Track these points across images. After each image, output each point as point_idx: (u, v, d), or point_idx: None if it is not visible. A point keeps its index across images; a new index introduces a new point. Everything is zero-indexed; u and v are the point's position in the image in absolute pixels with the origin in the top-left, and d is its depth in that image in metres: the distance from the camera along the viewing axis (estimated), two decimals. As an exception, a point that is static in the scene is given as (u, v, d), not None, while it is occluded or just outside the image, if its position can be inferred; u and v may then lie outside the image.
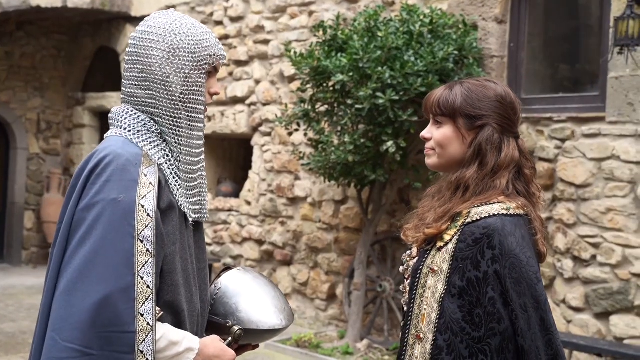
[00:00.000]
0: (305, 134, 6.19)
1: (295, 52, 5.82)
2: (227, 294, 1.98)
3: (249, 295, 1.99)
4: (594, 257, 5.11)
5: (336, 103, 5.80)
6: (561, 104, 5.47)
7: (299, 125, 6.07)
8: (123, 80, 1.88)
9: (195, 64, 1.83)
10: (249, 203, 7.50)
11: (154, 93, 1.82)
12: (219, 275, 2.05)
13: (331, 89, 5.71)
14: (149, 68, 1.82)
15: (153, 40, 1.83)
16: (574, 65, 5.98)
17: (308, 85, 5.97)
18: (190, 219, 1.87)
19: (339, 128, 5.78)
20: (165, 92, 1.82)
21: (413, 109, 5.40)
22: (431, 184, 6.73)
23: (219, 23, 7.82)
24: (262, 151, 7.37)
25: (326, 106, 5.94)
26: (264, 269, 7.29)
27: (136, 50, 1.84)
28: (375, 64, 5.31)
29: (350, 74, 5.39)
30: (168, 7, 8.34)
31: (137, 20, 8.95)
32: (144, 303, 1.67)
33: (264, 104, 7.39)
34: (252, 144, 7.56)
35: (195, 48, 1.83)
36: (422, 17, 5.56)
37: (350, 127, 5.66)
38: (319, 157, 5.77)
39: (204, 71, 1.85)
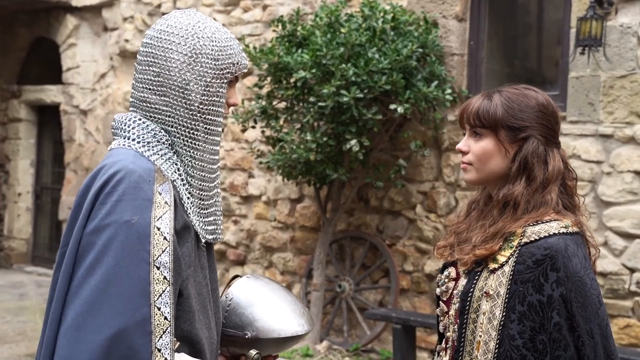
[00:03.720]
0: (263, 132, 6.04)
1: (254, 48, 5.66)
2: (241, 304, 1.83)
3: (265, 302, 1.85)
4: (555, 255, 5.14)
5: (296, 100, 5.67)
6: (522, 102, 5.47)
7: (255, 122, 5.91)
8: (134, 83, 1.69)
9: (217, 72, 1.66)
10: (199, 201, 7.30)
11: (170, 100, 1.65)
12: (228, 285, 1.91)
13: (292, 85, 5.57)
14: (166, 72, 1.64)
15: (173, 42, 1.65)
16: (534, 65, 6.00)
17: (265, 81, 5.82)
18: (203, 240, 1.71)
19: (299, 125, 5.65)
20: (183, 101, 1.64)
21: (377, 107, 5.32)
22: (392, 183, 6.61)
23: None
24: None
25: (284, 103, 5.80)
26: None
27: (153, 51, 1.66)
28: (338, 61, 5.20)
29: (313, 70, 5.26)
30: (113, -2, 8.02)
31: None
32: (161, 336, 1.50)
33: (216, 100, 7.18)
34: (202, 141, 7.34)
35: (219, 55, 1.66)
36: (383, 14, 5.48)
37: (311, 125, 5.54)
38: (278, 155, 5.62)
39: (226, 80, 1.68)
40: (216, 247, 7.03)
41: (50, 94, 9.13)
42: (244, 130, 6.28)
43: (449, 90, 5.46)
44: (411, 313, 5.54)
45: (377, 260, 6.05)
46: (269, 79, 5.75)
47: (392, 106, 5.30)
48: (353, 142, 5.31)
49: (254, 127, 6.05)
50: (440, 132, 5.66)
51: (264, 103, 5.80)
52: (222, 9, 7.11)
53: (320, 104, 5.28)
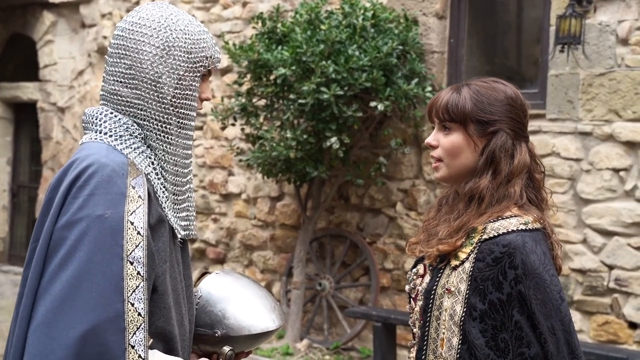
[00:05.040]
0: (243, 129, 6.00)
1: (234, 45, 5.62)
2: (210, 301, 1.80)
3: (235, 298, 1.82)
4: (535, 253, 5.15)
5: (276, 97, 5.63)
6: (501, 100, 5.48)
7: (235, 119, 5.87)
8: (105, 76, 1.66)
9: (190, 65, 1.64)
10: (178, 199, 7.23)
11: (142, 93, 1.62)
12: (197, 282, 1.87)
13: (271, 82, 5.54)
14: (138, 65, 1.61)
15: (145, 34, 1.62)
16: (513, 62, 6.02)
17: (245, 79, 5.78)
18: (179, 236, 1.68)
19: (279, 123, 5.62)
20: (155, 94, 1.62)
21: (357, 105, 5.31)
22: (372, 181, 6.59)
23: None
24: (193, 146, 7.11)
25: (264, 100, 5.77)
26: (195, 268, 7.04)
27: (124, 43, 1.63)
28: (318, 58, 5.18)
29: (293, 67, 5.23)
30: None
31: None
32: (134, 333, 1.47)
33: (195, 97, 7.12)
34: (181, 138, 7.27)
35: (191, 48, 1.64)
36: (363, 11, 5.46)
37: (291, 123, 5.51)
38: (258, 153, 5.59)
39: (199, 74, 1.66)
40: (196, 245, 6.99)
41: (27, 91, 9.01)
42: (223, 128, 6.24)
43: (429, 88, 5.45)
44: (391, 311, 5.53)
45: (357, 258, 6.03)
46: (248, 76, 5.71)
47: (373, 103, 5.28)
48: (333, 139, 5.29)
49: (233, 125, 6.01)
50: (420, 130, 5.65)
51: (243, 100, 5.76)
52: (202, 5, 7.06)
53: (300, 101, 5.25)
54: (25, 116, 9.31)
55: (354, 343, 5.99)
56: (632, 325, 4.81)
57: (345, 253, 6.07)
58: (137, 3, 7.54)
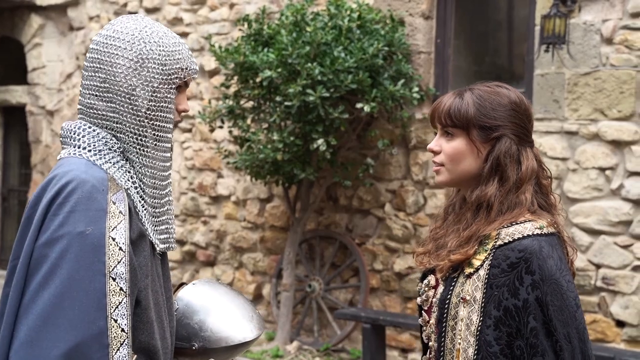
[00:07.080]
0: (230, 131, 6.00)
1: (220, 47, 5.62)
2: (187, 313, 1.80)
3: (212, 309, 1.81)
4: (522, 252, 5.18)
5: (262, 99, 5.64)
6: (488, 100, 5.50)
7: (222, 121, 5.87)
8: (81, 89, 1.66)
9: (165, 77, 1.63)
10: (168, 202, 7.22)
11: (117, 106, 1.62)
12: (174, 294, 1.84)
13: (258, 84, 5.54)
14: (112, 78, 1.61)
15: (119, 47, 1.62)
16: (500, 62, 6.04)
17: (232, 81, 5.78)
18: (158, 249, 1.68)
19: (266, 125, 5.62)
20: (130, 107, 1.61)
21: (344, 106, 5.32)
22: (360, 182, 6.57)
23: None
24: (182, 148, 7.12)
25: (251, 102, 5.77)
26: (185, 270, 7.05)
27: (99, 56, 1.63)
28: (304, 60, 5.18)
29: (279, 69, 5.24)
30: (78, -3, 7.92)
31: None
32: (118, 349, 1.48)
33: (183, 99, 7.11)
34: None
35: (166, 60, 1.64)
36: (349, 12, 5.47)
37: (278, 125, 5.52)
38: (245, 155, 5.59)
39: (174, 86, 1.65)
40: (185, 247, 7.00)
41: (16, 94, 8.98)
42: (211, 130, 6.24)
43: (416, 89, 5.47)
44: (380, 312, 5.54)
45: (346, 259, 6.05)
46: (235, 78, 5.71)
47: (359, 105, 5.30)
48: (320, 141, 5.30)
49: (221, 127, 6.01)
50: (407, 131, 5.67)
51: (231, 103, 5.76)
52: (189, 7, 7.05)
53: (286, 103, 5.26)
54: (14, 120, 9.28)
55: (344, 344, 6.01)
56: (620, 324, 4.84)
57: (334, 254, 6.08)
58: (125, 6, 7.53)
